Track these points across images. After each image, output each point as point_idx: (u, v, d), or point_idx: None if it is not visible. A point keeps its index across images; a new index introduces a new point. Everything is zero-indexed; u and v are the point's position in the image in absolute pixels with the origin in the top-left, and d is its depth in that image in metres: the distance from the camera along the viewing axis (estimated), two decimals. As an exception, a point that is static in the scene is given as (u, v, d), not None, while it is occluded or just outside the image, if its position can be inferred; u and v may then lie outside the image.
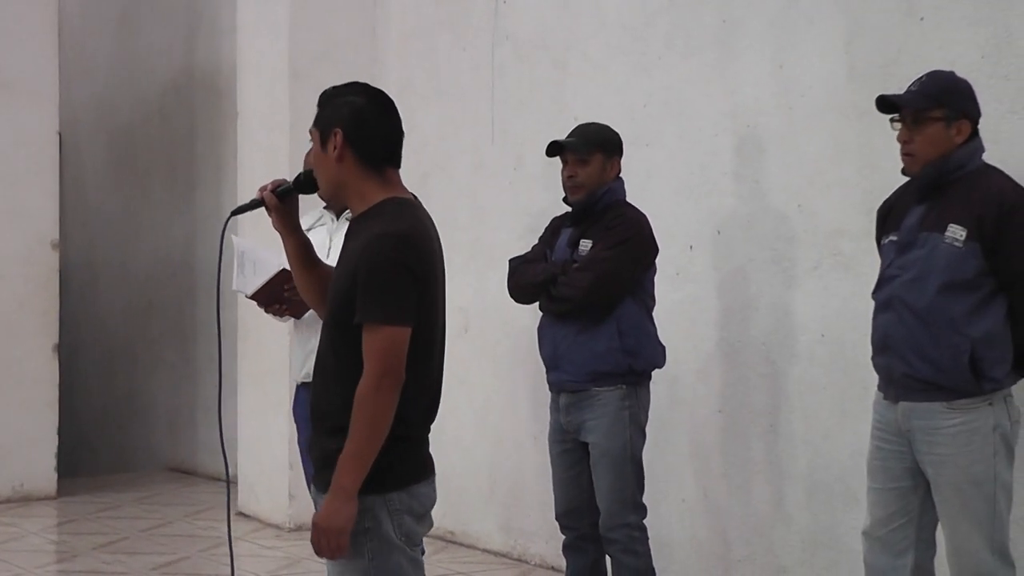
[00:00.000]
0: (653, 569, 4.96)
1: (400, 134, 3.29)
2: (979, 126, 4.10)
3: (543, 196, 6.12)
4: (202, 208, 9.17)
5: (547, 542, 6.26)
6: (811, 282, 5.28)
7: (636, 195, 5.16)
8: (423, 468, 3.25)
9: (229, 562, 3.87)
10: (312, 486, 3.34)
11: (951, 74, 4.15)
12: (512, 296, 5.12)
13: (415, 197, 3.33)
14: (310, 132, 3.29)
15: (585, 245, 4.89)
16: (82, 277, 10.27)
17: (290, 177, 3.44)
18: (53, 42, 8.23)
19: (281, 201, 3.37)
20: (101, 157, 10.25)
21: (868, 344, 4.21)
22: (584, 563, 5.03)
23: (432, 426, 3.31)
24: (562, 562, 5.19)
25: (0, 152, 8.00)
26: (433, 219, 3.38)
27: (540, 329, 5.04)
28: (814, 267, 5.27)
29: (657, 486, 5.64)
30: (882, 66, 5.00)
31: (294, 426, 5.44)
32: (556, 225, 5.11)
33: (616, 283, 4.83)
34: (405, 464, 3.18)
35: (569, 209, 5.02)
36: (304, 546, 5.11)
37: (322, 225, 5.05)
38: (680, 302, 5.72)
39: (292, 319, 5.12)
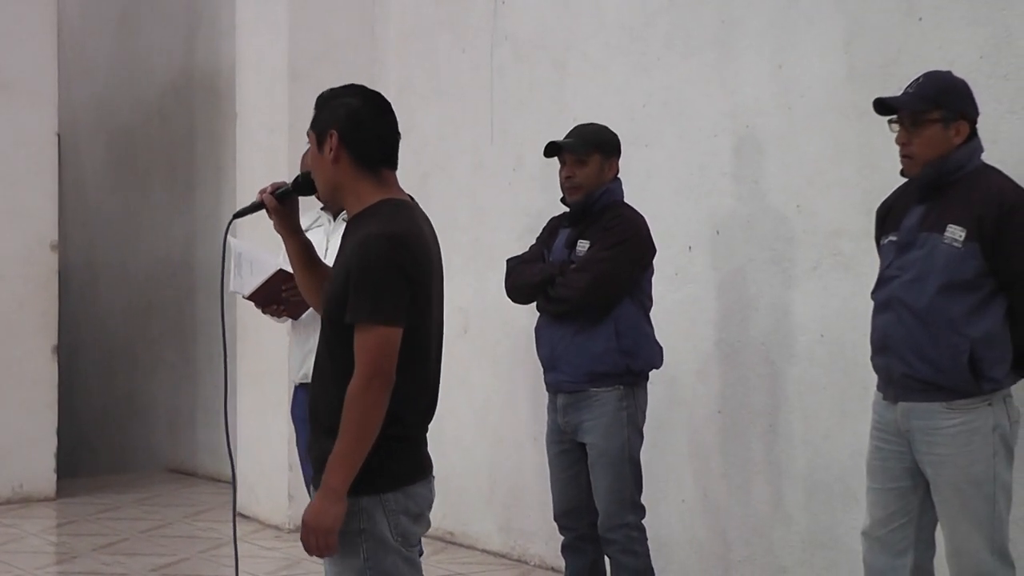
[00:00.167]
0: (652, 569, 4.95)
1: (396, 136, 3.30)
2: (978, 126, 4.10)
3: (543, 196, 6.12)
4: (202, 208, 9.16)
5: (547, 543, 6.26)
6: (810, 282, 5.28)
7: (635, 195, 5.16)
8: (420, 468, 3.25)
9: (229, 563, 3.86)
10: (311, 487, 3.34)
11: (948, 74, 4.14)
12: (509, 296, 5.12)
13: (412, 198, 3.34)
14: (308, 134, 3.31)
15: (583, 246, 4.89)
16: (82, 278, 10.26)
17: (289, 179, 3.45)
18: (52, 42, 8.23)
19: (281, 203, 3.39)
20: (100, 158, 10.24)
21: (867, 344, 4.21)
22: (583, 563, 5.03)
23: (432, 426, 3.31)
24: (562, 563, 5.19)
25: (-1, 152, 8.02)
26: (433, 219, 3.39)
27: (537, 330, 5.04)
28: (813, 267, 5.26)
29: (657, 486, 5.64)
30: (881, 66, 5.00)
31: (293, 427, 5.44)
32: (554, 225, 5.10)
33: (614, 284, 4.82)
34: (402, 464, 3.19)
35: (567, 209, 5.01)
36: (303, 547, 5.10)
37: (319, 226, 5.05)
38: (679, 302, 5.72)
39: (290, 320, 5.12)
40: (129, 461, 9.85)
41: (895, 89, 4.29)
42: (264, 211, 3.41)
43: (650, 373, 4.99)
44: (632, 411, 4.88)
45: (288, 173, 6.67)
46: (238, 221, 3.64)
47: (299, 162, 5.15)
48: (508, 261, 5.14)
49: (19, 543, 7.11)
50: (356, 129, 3.22)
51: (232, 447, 3.67)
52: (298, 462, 5.60)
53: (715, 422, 5.68)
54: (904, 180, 4.19)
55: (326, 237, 4.96)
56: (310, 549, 3.14)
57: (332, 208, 4.97)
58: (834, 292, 5.18)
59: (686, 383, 5.74)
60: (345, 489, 3.09)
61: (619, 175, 5.02)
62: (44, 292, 8.16)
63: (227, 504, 8.05)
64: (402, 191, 3.31)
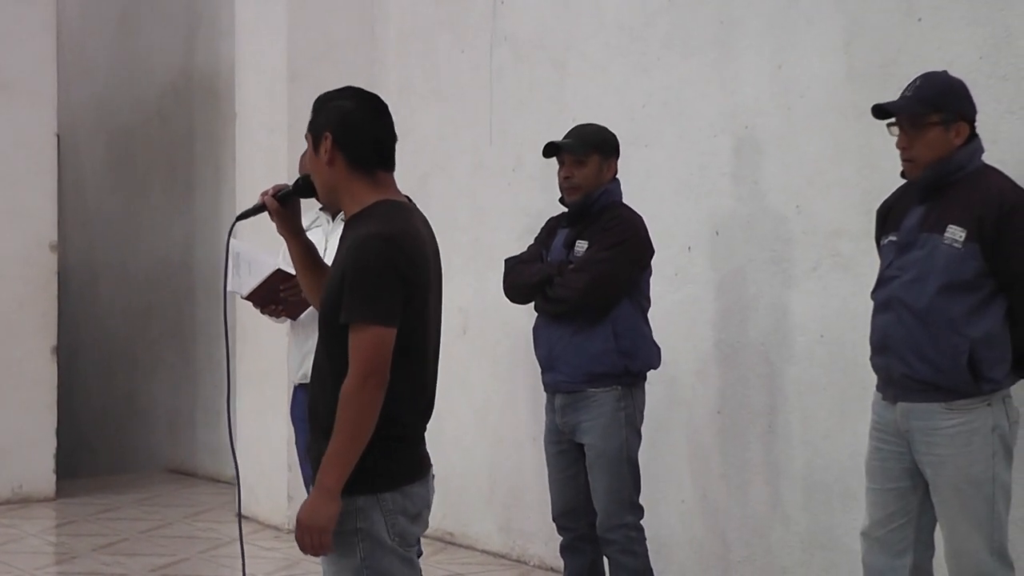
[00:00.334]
0: (651, 569, 4.96)
1: (392, 137, 3.31)
2: (977, 127, 4.10)
3: (542, 197, 6.11)
4: (201, 209, 9.16)
5: (546, 543, 6.26)
6: (810, 283, 5.28)
7: (635, 195, 5.16)
8: (418, 468, 3.26)
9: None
10: (310, 488, 3.34)
11: (945, 75, 4.13)
12: (507, 296, 5.12)
13: (409, 199, 3.35)
14: (305, 137, 3.34)
15: (581, 246, 4.89)
16: (81, 278, 10.26)
17: (289, 179, 3.47)
18: (52, 43, 8.23)
19: (282, 205, 3.42)
20: (100, 158, 10.24)
21: (867, 344, 4.21)
22: (582, 564, 5.03)
23: (431, 426, 3.32)
24: (561, 563, 5.19)
25: (-1, 153, 8.02)
26: (432, 220, 3.40)
27: (535, 330, 5.04)
28: (813, 268, 5.26)
29: (656, 487, 5.64)
30: (881, 66, 4.99)
31: (292, 427, 5.44)
32: (552, 226, 5.10)
33: (613, 284, 4.82)
34: (399, 464, 3.20)
35: (565, 210, 5.01)
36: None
37: (318, 227, 5.05)
38: (679, 303, 5.72)
39: (289, 320, 5.12)
40: (129, 461, 9.84)
41: (895, 89, 4.28)
42: (266, 213, 3.43)
43: (649, 373, 4.99)
44: (630, 411, 4.88)
45: (288, 173, 6.70)
46: (240, 223, 3.65)
47: (298, 163, 5.16)
48: (506, 261, 5.14)
49: (19, 543, 7.11)
50: (350, 132, 3.24)
51: (234, 447, 3.67)
52: (297, 462, 5.60)
53: (714, 422, 5.68)
54: (904, 180, 4.19)
55: (325, 237, 4.96)
56: (305, 548, 3.15)
57: (331, 209, 4.97)
58: (833, 292, 5.17)
59: (685, 383, 5.74)
60: (339, 488, 3.10)
61: (618, 175, 5.02)
62: (44, 293, 8.16)
63: (227, 505, 8.05)
64: (399, 192, 3.33)
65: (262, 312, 5.09)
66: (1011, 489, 4.03)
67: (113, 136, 10.10)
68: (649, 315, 5.00)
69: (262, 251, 5.11)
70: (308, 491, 3.57)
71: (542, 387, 5.09)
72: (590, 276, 4.79)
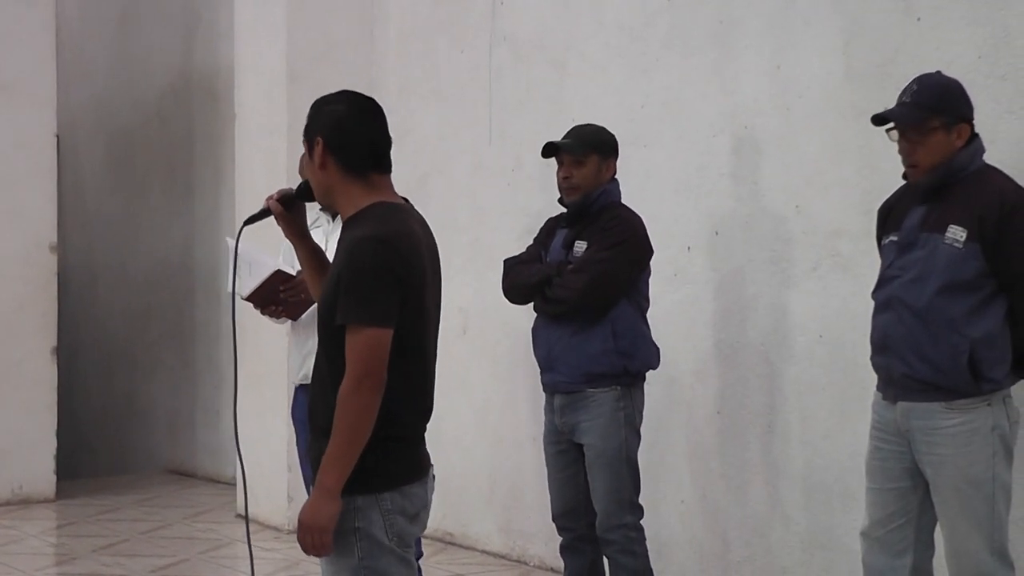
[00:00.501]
0: (651, 569, 4.96)
1: (387, 140, 3.32)
2: (977, 127, 4.09)
3: (542, 197, 6.11)
4: (201, 210, 9.16)
5: (546, 543, 6.26)
6: (810, 283, 5.28)
7: (634, 196, 5.16)
8: (417, 468, 3.26)
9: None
10: (311, 488, 3.35)
11: (940, 77, 4.12)
12: (506, 296, 5.12)
13: (407, 200, 3.37)
14: (303, 142, 3.36)
15: (580, 246, 4.89)
16: (81, 279, 10.26)
17: (288, 181, 3.48)
18: (51, 44, 8.23)
19: (287, 209, 3.44)
20: (99, 159, 10.24)
21: (867, 344, 4.21)
22: (582, 564, 5.03)
23: (431, 427, 3.32)
24: (561, 563, 5.19)
25: (-2, 154, 8.01)
26: (432, 220, 3.40)
27: (534, 330, 5.04)
28: (813, 268, 5.26)
29: (656, 487, 5.64)
30: (880, 66, 5.00)
31: (292, 428, 5.44)
32: (551, 226, 5.10)
33: (612, 285, 4.82)
34: (398, 464, 3.20)
35: (564, 210, 5.01)
36: (303, 548, 5.10)
37: (318, 227, 5.05)
38: (678, 303, 5.72)
39: (289, 321, 5.12)
40: (128, 462, 9.85)
41: (894, 88, 4.28)
42: (272, 217, 3.47)
43: (648, 374, 5.00)
44: (629, 412, 4.89)
45: (287, 174, 6.70)
46: (236, 223, 3.65)
47: (298, 164, 5.16)
48: (505, 261, 5.14)
49: (19, 544, 7.11)
50: (341, 136, 3.25)
51: (238, 448, 3.67)
52: (297, 463, 5.60)
53: (714, 423, 5.68)
54: (905, 180, 4.19)
55: (325, 237, 4.96)
56: (306, 548, 3.17)
57: (330, 210, 4.98)
58: (833, 292, 5.18)
59: (685, 383, 5.74)
60: (339, 488, 3.11)
61: (617, 176, 5.02)
62: (43, 294, 8.16)
63: (226, 505, 8.05)
64: (395, 194, 3.34)
65: (262, 313, 5.09)
66: (1011, 489, 4.04)
67: (112, 137, 10.10)
68: (648, 315, 5.00)
69: (262, 252, 5.11)
70: (308, 491, 3.58)
71: (541, 387, 5.09)
72: (589, 276, 4.79)
